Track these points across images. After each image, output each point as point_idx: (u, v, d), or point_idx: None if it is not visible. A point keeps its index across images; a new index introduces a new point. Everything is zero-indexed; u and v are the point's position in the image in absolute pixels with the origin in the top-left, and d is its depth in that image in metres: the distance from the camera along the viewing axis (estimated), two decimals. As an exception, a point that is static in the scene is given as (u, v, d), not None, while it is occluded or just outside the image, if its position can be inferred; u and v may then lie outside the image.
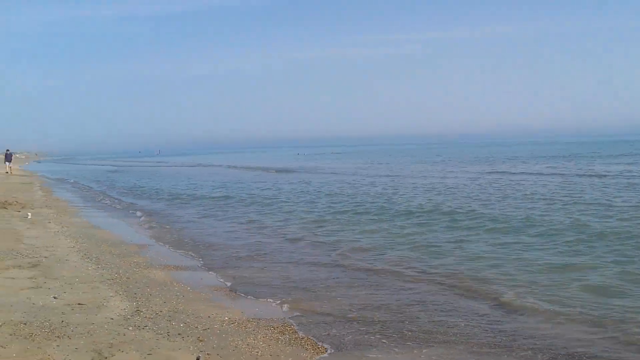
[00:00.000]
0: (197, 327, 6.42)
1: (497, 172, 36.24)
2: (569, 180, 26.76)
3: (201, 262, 10.76)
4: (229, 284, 8.98)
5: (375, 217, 16.49)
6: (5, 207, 18.35)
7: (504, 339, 6.35)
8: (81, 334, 5.80)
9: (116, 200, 24.61)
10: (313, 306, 7.67)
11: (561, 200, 18.81)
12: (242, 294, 8.37)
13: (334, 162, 65.96)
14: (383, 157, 76.92)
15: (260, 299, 8.11)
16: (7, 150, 46.91)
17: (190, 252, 11.68)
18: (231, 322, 6.79)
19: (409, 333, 6.55)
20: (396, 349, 6.05)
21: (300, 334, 6.53)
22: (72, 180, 40.96)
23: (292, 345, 6.12)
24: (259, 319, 7.03)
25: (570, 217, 14.67)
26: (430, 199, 20.83)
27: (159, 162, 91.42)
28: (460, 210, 16.99)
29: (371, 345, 6.16)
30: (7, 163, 44.63)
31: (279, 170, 47.43)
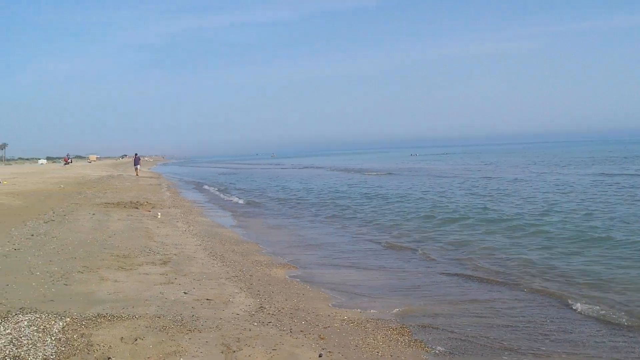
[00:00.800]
0: (317, 325, 6.52)
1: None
2: None
3: (317, 263, 10.97)
4: (345, 284, 9.07)
5: (497, 224, 15.98)
6: (137, 207, 19.69)
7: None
8: (210, 328, 6.08)
9: (236, 201, 25.65)
10: (428, 310, 7.56)
11: None
12: (358, 294, 8.41)
13: (441, 164, 64.67)
14: (499, 157, 74.34)
15: (377, 300, 8.11)
16: (136, 154, 50.15)
17: (306, 252, 11.96)
18: (350, 322, 6.84)
19: (536, 349, 6.27)
20: None
21: (418, 336, 6.46)
22: (195, 181, 43.26)
23: (411, 347, 6.07)
24: (377, 320, 7.03)
25: None
26: (553, 203, 19.86)
27: (276, 164, 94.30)
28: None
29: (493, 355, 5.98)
30: (136, 166, 47.67)
31: (391, 172, 47.28)
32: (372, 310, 7.48)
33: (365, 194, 26.84)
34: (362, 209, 20.32)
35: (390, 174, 45.76)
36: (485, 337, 6.45)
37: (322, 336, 6.06)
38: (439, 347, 6.08)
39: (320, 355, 5.38)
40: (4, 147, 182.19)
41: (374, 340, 6.17)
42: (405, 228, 15.40)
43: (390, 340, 6.21)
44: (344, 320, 6.87)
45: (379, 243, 13.15)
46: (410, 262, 10.97)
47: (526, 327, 6.88)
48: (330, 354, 5.48)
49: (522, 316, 7.31)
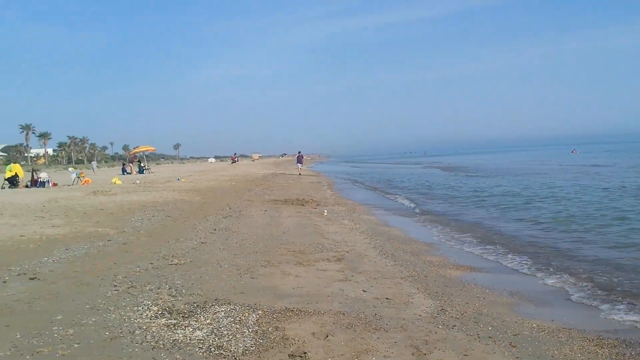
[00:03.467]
0: (506, 332, 6.23)
1: None
2: None
3: (493, 265, 10.55)
4: (527, 290, 8.60)
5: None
6: (302, 205, 20.41)
7: None
8: (395, 328, 6.05)
9: (399, 200, 25.60)
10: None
11: None
12: (545, 302, 7.92)
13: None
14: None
15: (566, 308, 7.59)
16: (299, 152, 51.07)
17: (481, 254, 11.57)
18: (541, 330, 6.44)
19: None
20: None
21: (620, 349, 5.90)
22: (354, 180, 43.96)
23: (614, 361, 5.57)
24: (570, 329, 6.56)
25: None
26: None
27: (432, 162, 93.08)
28: None
29: None
30: (299, 165, 48.71)
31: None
32: (563, 318, 7.00)
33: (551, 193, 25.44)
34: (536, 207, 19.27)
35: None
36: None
37: (513, 344, 5.76)
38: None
39: (519, 366, 5.12)
40: (178, 147, 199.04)
41: (571, 351, 5.73)
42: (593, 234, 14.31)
43: (589, 352, 5.74)
44: (533, 327, 6.49)
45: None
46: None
47: None
48: (526, 363, 5.19)
49: None
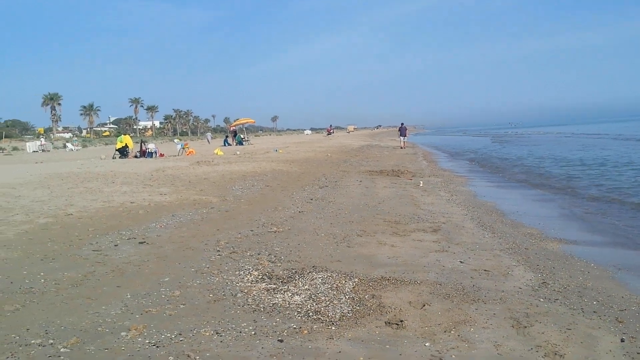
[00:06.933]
0: (612, 307, 5.93)
1: None
2: None
3: (599, 238, 10.05)
4: (634, 265, 8.13)
5: None
6: (398, 175, 20.29)
7: None
8: (494, 300, 5.93)
9: (494, 172, 24.87)
10: None
11: None
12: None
13: None
14: None
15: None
16: (402, 123, 43.51)
17: (581, 229, 11.06)
18: (651, 306, 6.09)
19: None
20: None
21: None
22: (449, 151, 43.08)
23: None
24: (684, 307, 6.15)
25: None
26: None
27: (536, 132, 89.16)
28: None
29: None
30: (401, 138, 43.43)
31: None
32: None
33: None
34: None
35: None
36: None
37: (620, 319, 5.48)
38: None
39: (622, 340, 4.88)
40: (276, 120, 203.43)
41: (684, 329, 5.39)
42: None
43: None
44: (642, 304, 6.15)
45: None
46: None
47: None
48: (634, 339, 4.93)
49: None
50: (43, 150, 50.32)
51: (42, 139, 61.11)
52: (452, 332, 4.98)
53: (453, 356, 4.49)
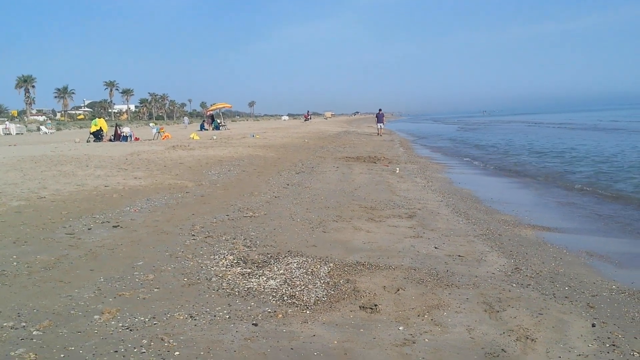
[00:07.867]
0: (583, 292, 6.03)
1: None
2: None
3: (573, 225, 10.20)
4: (606, 252, 8.27)
5: None
6: (374, 162, 20.35)
7: None
8: (467, 285, 5.99)
9: (470, 159, 25.08)
10: None
11: None
12: (623, 264, 7.60)
13: None
14: None
15: (648, 271, 7.26)
16: (380, 110, 43.75)
17: (553, 214, 11.22)
18: (620, 292, 6.18)
19: None
20: None
21: None
22: (425, 137, 43.31)
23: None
24: (653, 293, 6.28)
25: None
26: None
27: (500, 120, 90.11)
28: None
29: None
30: (379, 125, 43.36)
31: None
32: (643, 282, 6.72)
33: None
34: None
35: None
36: None
37: (591, 305, 5.58)
38: None
39: (593, 325, 4.97)
40: (253, 105, 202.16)
41: (653, 315, 5.51)
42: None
43: (673, 317, 5.49)
44: (612, 289, 6.25)
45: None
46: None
47: None
48: (604, 324, 5.02)
49: None
50: (7, 134, 49.30)
51: (6, 123, 59.24)
52: (425, 316, 5.02)
53: (426, 340, 4.53)
